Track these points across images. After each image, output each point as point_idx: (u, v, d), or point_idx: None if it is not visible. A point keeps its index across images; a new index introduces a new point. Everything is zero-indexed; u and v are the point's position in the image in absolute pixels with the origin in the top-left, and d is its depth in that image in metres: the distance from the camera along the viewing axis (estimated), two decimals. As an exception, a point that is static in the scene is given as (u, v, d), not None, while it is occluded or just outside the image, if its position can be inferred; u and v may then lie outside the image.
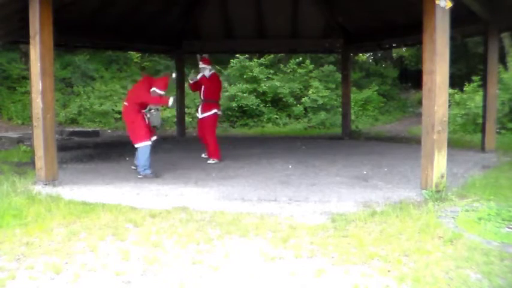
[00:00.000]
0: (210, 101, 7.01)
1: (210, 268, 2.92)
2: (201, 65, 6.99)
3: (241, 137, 11.40)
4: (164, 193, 4.94)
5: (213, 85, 7.01)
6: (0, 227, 3.68)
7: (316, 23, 10.46)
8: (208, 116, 7.01)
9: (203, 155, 7.28)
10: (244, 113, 14.30)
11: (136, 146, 5.85)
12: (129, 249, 3.22)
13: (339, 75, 14.43)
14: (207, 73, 6.96)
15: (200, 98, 7.22)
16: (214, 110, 7.01)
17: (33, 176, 5.45)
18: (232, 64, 15.36)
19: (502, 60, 11.57)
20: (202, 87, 7.02)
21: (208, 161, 6.98)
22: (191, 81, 7.22)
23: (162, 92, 5.92)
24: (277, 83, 14.93)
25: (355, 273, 2.81)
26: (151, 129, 6.04)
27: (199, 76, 7.03)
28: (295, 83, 15.68)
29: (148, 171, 5.80)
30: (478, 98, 10.54)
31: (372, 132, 12.31)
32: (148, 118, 5.98)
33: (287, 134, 12.46)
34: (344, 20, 10.50)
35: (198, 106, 7.46)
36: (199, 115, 7.14)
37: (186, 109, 12.08)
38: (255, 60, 15.57)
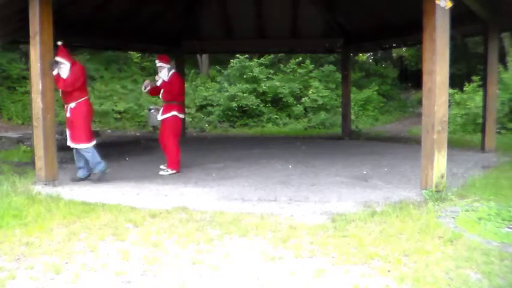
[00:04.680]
0: (171, 102, 6.26)
1: (210, 268, 2.92)
2: (159, 63, 6.30)
3: (241, 137, 11.40)
4: (164, 193, 4.95)
5: (173, 87, 6.24)
6: (0, 227, 3.68)
7: (316, 23, 10.46)
8: (167, 119, 6.24)
9: (162, 167, 6.31)
10: (244, 113, 14.30)
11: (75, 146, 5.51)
12: (129, 249, 3.22)
13: (339, 75, 14.43)
14: (165, 73, 6.24)
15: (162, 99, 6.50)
16: (174, 112, 6.23)
17: (33, 176, 5.45)
18: (232, 64, 15.35)
19: (502, 60, 11.57)
20: (162, 89, 6.31)
21: (161, 172, 6.11)
22: (145, 90, 6.49)
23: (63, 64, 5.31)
24: (277, 83, 14.93)
25: (355, 273, 2.81)
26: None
27: (159, 82, 6.28)
28: (295, 83, 15.68)
29: (101, 167, 5.51)
30: (478, 98, 10.54)
31: (372, 132, 12.31)
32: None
33: (287, 134, 12.47)
34: (344, 20, 10.50)
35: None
36: (159, 117, 6.39)
37: (185, 109, 12.07)
38: (255, 60, 15.57)
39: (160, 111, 6.41)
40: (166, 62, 6.36)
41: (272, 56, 16.44)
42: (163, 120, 6.33)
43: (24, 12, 5.29)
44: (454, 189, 4.73)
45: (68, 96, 5.49)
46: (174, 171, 6.12)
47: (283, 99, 14.97)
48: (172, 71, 6.40)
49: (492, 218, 3.81)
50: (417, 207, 4.17)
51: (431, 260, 2.97)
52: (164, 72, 6.29)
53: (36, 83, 5.15)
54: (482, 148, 7.72)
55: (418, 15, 4.77)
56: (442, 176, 4.59)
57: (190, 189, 5.16)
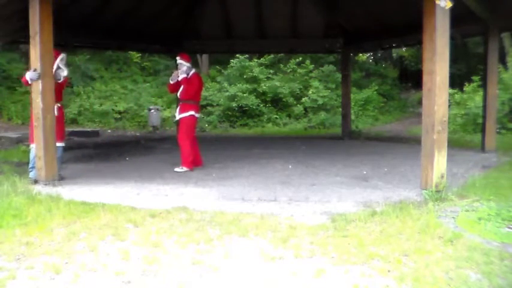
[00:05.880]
0: (189, 101, 6.40)
1: (210, 268, 2.92)
2: (179, 60, 6.43)
3: (241, 137, 11.40)
4: (164, 193, 4.95)
5: (193, 85, 6.39)
6: (0, 227, 3.68)
7: (316, 23, 10.46)
8: (184, 118, 6.38)
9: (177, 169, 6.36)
10: (244, 113, 14.30)
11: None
12: (129, 249, 3.22)
13: (339, 75, 14.42)
14: (184, 71, 6.38)
15: (178, 98, 6.67)
16: (191, 112, 6.36)
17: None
18: (232, 64, 15.36)
19: (502, 60, 11.57)
20: (181, 86, 6.42)
21: (176, 169, 6.23)
22: (172, 82, 6.60)
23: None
24: (277, 83, 14.93)
25: (355, 273, 2.81)
26: (56, 130, 5.55)
27: (181, 77, 6.40)
28: (295, 83, 15.68)
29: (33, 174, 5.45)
30: (478, 98, 10.54)
31: (372, 132, 12.31)
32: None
33: (287, 134, 12.47)
34: (344, 20, 10.50)
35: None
36: (176, 116, 6.56)
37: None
38: (255, 60, 15.57)
39: (178, 110, 6.55)
40: (187, 60, 6.47)
41: (272, 56, 16.45)
42: (180, 120, 6.46)
43: (24, 12, 5.28)
44: (454, 189, 4.73)
45: (60, 95, 5.77)
46: (187, 169, 6.22)
47: (283, 99, 14.97)
48: (193, 70, 6.51)
49: (492, 218, 3.81)
50: (417, 207, 4.17)
51: (431, 260, 2.97)
52: (183, 70, 6.39)
53: (36, 83, 5.15)
54: (482, 148, 7.72)
55: (418, 16, 4.77)
56: (442, 176, 4.59)
57: (190, 189, 5.16)
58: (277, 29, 10.59)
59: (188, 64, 6.44)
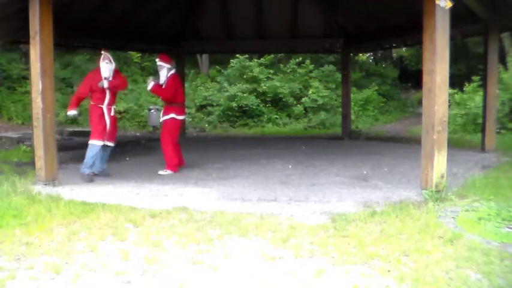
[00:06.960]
0: (170, 104, 6.26)
1: (210, 268, 2.92)
2: (159, 62, 6.23)
3: (241, 137, 11.40)
4: (164, 193, 4.95)
5: (168, 89, 6.15)
6: (0, 227, 3.68)
7: (316, 23, 10.46)
8: (166, 121, 6.25)
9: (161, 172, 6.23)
10: (244, 113, 14.31)
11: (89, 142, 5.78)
12: (129, 249, 3.22)
13: (339, 75, 14.44)
14: (164, 73, 6.18)
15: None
16: (172, 115, 6.21)
17: (33, 176, 5.45)
18: (232, 64, 15.37)
19: (502, 60, 11.56)
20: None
21: (160, 172, 6.11)
22: (149, 88, 6.36)
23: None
24: (277, 83, 14.94)
25: (355, 273, 2.81)
26: (110, 130, 5.94)
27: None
28: (295, 83, 15.69)
29: (86, 171, 5.59)
30: (478, 98, 10.54)
31: (372, 132, 12.31)
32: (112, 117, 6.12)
33: (287, 134, 12.47)
34: (344, 20, 10.50)
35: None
36: (160, 118, 6.46)
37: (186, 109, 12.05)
38: (255, 60, 15.59)
39: (161, 113, 6.48)
40: (167, 61, 6.25)
41: (272, 56, 16.45)
42: (163, 122, 6.40)
43: (24, 12, 5.29)
44: (454, 189, 4.73)
45: (114, 97, 6.22)
46: (171, 172, 6.12)
47: (283, 99, 14.98)
48: (172, 71, 6.28)
49: (492, 218, 3.81)
50: (417, 207, 4.17)
51: (431, 260, 2.97)
52: (163, 73, 6.21)
53: (36, 83, 5.15)
54: (482, 148, 7.71)
55: (418, 16, 4.77)
56: (442, 176, 4.59)
57: (190, 189, 5.16)
58: (277, 29, 10.59)
59: (168, 65, 6.24)
